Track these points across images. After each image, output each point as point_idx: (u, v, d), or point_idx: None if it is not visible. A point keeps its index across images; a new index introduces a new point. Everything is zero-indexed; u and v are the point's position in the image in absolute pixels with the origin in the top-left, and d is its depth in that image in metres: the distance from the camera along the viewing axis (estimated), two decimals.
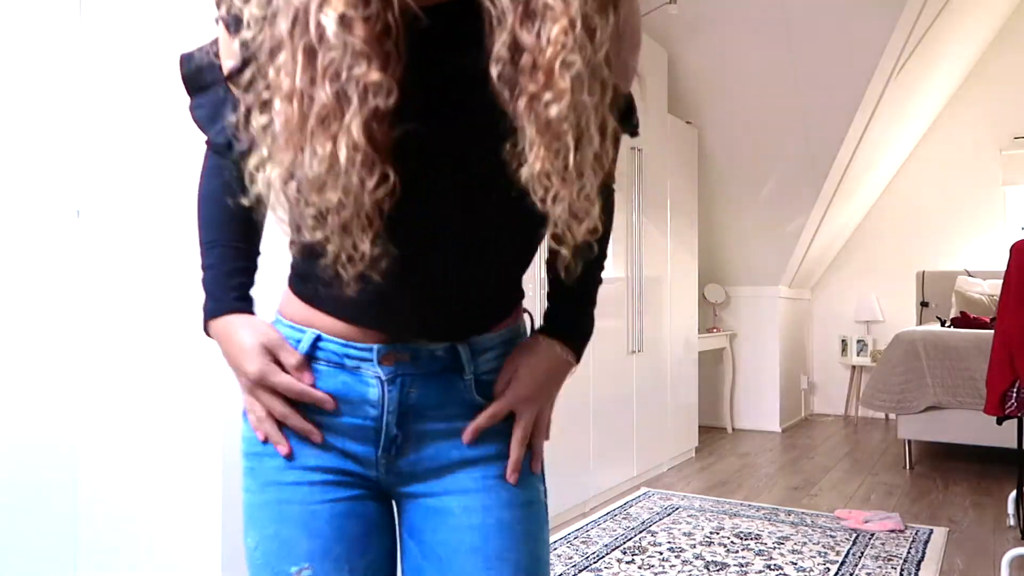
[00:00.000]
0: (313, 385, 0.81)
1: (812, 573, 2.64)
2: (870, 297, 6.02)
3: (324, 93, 0.64)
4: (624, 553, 2.83)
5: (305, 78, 0.64)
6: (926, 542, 2.97)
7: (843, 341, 6.10)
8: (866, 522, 3.16)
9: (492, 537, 0.83)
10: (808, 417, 6.08)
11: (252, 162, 0.70)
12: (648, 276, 3.99)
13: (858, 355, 5.98)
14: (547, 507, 0.89)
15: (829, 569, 2.67)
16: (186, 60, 0.84)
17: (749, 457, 4.61)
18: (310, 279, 0.81)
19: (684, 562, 2.73)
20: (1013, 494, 3.24)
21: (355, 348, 0.81)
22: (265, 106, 0.67)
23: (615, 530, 3.11)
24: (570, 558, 2.77)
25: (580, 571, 2.64)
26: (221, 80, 0.79)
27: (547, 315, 0.92)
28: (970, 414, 3.94)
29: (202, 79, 0.83)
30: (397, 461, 0.84)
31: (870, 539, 3.02)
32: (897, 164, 5.96)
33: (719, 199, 5.17)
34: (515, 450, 0.85)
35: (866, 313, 5.99)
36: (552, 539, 2.99)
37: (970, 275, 5.46)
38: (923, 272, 5.76)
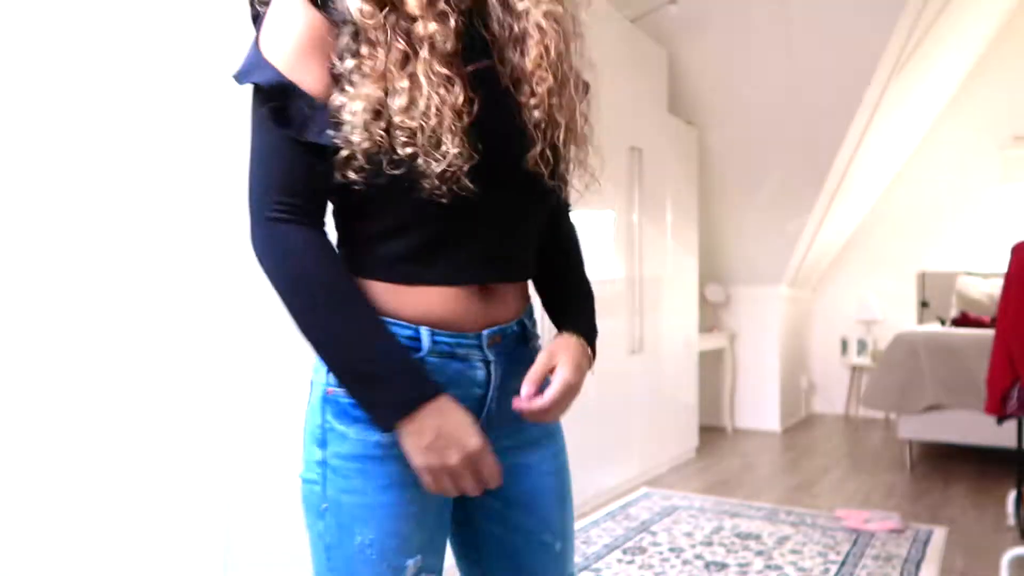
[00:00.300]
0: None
1: (812, 573, 2.64)
2: (870, 297, 6.02)
3: (398, 45, 0.84)
4: (624, 553, 2.83)
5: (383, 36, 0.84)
6: (926, 542, 2.97)
7: (843, 341, 6.10)
8: (866, 522, 3.16)
9: (560, 479, 1.04)
10: (808, 417, 6.08)
11: (336, 103, 0.83)
12: (648, 276, 3.99)
13: (858, 355, 5.98)
14: None
15: (829, 569, 2.67)
16: (273, 92, 0.86)
17: (749, 457, 4.61)
18: (401, 254, 0.90)
19: (684, 562, 2.73)
20: (1013, 494, 3.24)
21: (464, 338, 0.92)
22: (355, 55, 0.84)
23: (615, 530, 3.11)
24: None
25: (580, 571, 2.64)
26: (299, 91, 0.85)
27: (565, 319, 1.06)
28: (970, 414, 3.94)
29: (282, 98, 0.86)
30: (488, 436, 0.91)
31: (870, 539, 3.02)
32: (897, 164, 5.96)
33: (719, 199, 5.17)
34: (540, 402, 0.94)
35: (866, 313, 5.98)
36: None
37: (970, 275, 5.46)
38: (923, 272, 5.76)
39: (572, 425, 3.59)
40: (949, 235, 5.86)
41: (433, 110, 0.83)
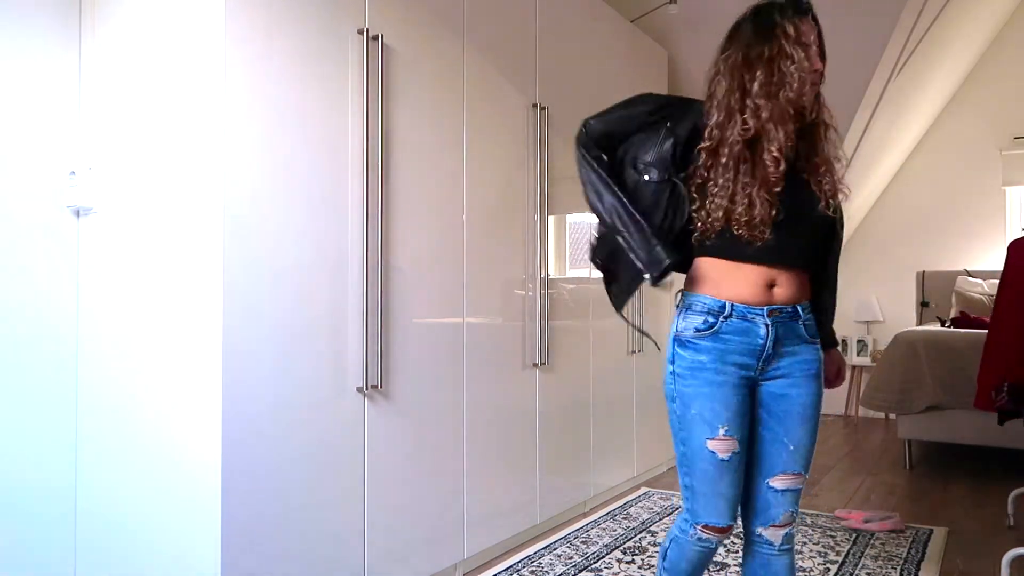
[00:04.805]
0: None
1: (812, 573, 2.64)
2: (870, 297, 6.02)
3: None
4: (624, 553, 2.83)
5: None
6: (926, 542, 2.97)
7: (843, 341, 6.09)
8: (866, 522, 3.16)
9: (808, 407, 1.62)
10: None
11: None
12: None
13: (858, 355, 5.98)
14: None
15: (829, 569, 2.67)
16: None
17: None
18: (720, 272, 1.59)
19: None
20: (1014, 493, 3.25)
21: (752, 310, 1.56)
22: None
23: (615, 530, 3.11)
24: (570, 558, 2.77)
25: (580, 571, 2.64)
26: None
27: (826, 335, 1.73)
28: (970, 414, 3.94)
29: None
30: (766, 368, 1.58)
31: (870, 539, 3.02)
32: (897, 164, 5.95)
33: None
34: (831, 384, 1.77)
35: (866, 313, 5.98)
36: (552, 539, 2.99)
37: (970, 275, 5.46)
38: (923, 272, 5.76)
39: (572, 425, 3.61)
40: (949, 235, 5.86)
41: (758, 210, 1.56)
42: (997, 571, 2.61)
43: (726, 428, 1.55)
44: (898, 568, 2.69)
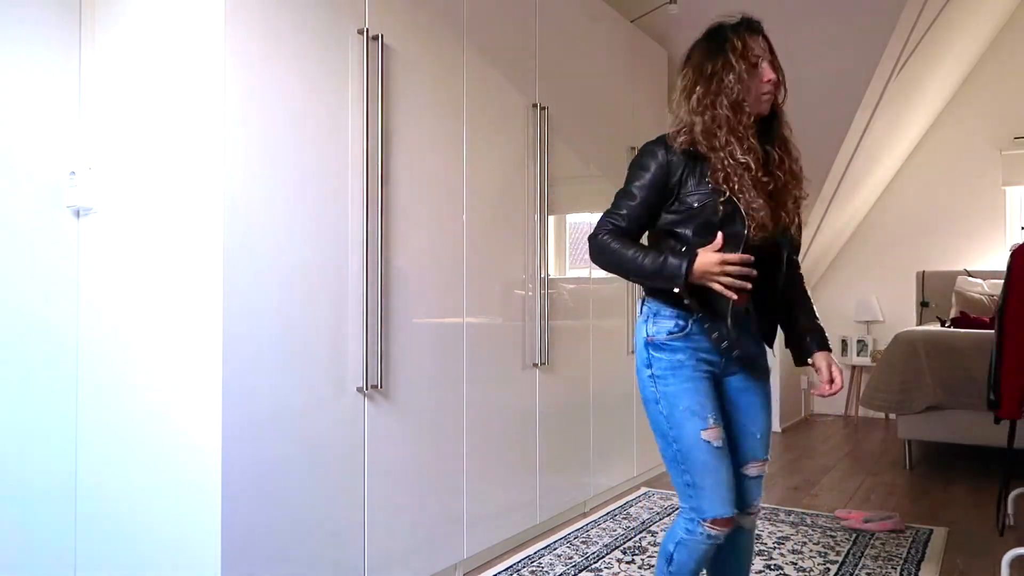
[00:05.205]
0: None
1: (812, 573, 2.64)
2: (870, 297, 6.02)
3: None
4: (624, 553, 2.83)
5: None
6: (926, 542, 2.97)
7: (843, 341, 6.09)
8: (866, 522, 3.16)
9: (765, 401, 1.80)
10: (808, 417, 6.08)
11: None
12: None
13: (858, 355, 5.98)
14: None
15: (829, 569, 2.67)
16: None
17: None
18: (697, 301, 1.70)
19: None
20: (1014, 493, 3.25)
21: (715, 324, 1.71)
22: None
23: (615, 530, 3.11)
24: (570, 558, 2.77)
25: (580, 571, 2.65)
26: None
27: (820, 339, 1.83)
28: (970, 414, 3.94)
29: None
30: (728, 365, 1.73)
31: (870, 539, 3.02)
32: (897, 164, 5.95)
33: None
34: (836, 385, 1.78)
35: (866, 313, 5.98)
36: (552, 539, 2.99)
37: (970, 275, 5.46)
38: (923, 272, 5.76)
39: (572, 425, 3.60)
40: (949, 235, 5.86)
41: None
42: (997, 571, 2.61)
43: (714, 417, 1.67)
44: (898, 568, 2.69)
